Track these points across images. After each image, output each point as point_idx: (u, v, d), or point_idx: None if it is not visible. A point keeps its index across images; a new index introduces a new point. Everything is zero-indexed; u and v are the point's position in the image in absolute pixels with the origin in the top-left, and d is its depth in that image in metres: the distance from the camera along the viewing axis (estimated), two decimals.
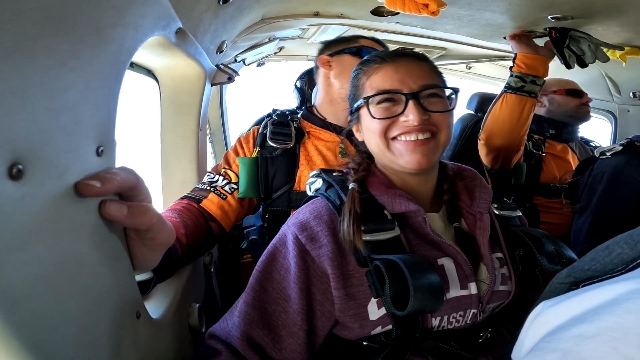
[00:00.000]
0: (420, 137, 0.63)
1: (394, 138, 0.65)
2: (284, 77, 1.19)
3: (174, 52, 0.77)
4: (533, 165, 1.49)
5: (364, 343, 0.63)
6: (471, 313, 0.63)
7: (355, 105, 0.70)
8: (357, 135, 0.74)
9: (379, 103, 0.66)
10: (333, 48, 1.10)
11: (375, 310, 0.60)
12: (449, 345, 0.62)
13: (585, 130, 1.64)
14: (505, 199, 0.77)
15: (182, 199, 0.92)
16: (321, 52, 1.14)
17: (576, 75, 1.59)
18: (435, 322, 0.61)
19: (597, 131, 2.18)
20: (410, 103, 0.63)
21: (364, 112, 0.68)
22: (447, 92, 0.68)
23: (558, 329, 0.35)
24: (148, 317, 0.56)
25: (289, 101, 1.46)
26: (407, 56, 0.68)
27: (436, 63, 1.94)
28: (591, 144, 1.71)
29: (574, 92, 1.54)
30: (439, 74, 0.70)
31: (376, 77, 0.67)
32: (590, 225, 1.18)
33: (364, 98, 0.67)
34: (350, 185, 0.66)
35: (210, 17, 0.82)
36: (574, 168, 1.53)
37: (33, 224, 0.29)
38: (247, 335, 0.60)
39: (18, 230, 0.27)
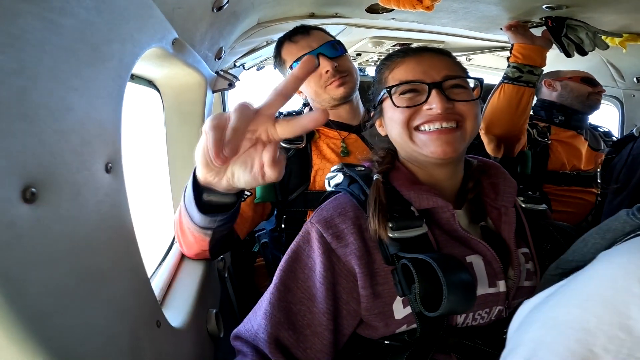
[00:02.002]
0: (445, 125, 0.62)
1: (417, 128, 0.63)
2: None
3: (172, 62, 0.78)
4: (539, 153, 1.49)
5: (386, 342, 0.62)
6: (497, 310, 0.62)
7: (378, 98, 0.69)
8: (380, 130, 0.73)
9: (401, 94, 0.64)
10: (284, 73, 1.11)
11: (400, 309, 0.59)
12: (472, 342, 0.60)
13: (592, 116, 1.63)
14: (530, 192, 0.76)
15: None
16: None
17: (578, 64, 1.59)
18: (459, 319, 0.60)
19: (605, 117, 2.16)
20: (434, 92, 0.61)
21: (386, 104, 0.67)
22: (471, 83, 0.67)
23: (539, 304, 0.40)
24: (168, 325, 0.57)
25: (292, 103, 1.47)
26: (429, 51, 0.68)
27: None
28: (599, 129, 1.70)
29: (589, 81, 1.54)
30: (462, 68, 0.69)
31: (399, 69, 0.67)
32: (630, 206, 1.14)
33: (387, 88, 0.65)
34: (375, 176, 0.65)
35: (205, 25, 0.83)
36: (584, 154, 1.53)
37: (53, 243, 0.30)
38: (274, 337, 0.59)
39: (39, 250, 0.28)
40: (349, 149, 1.03)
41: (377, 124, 0.74)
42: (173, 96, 0.98)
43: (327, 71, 1.00)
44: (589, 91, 1.53)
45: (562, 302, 0.36)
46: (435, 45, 1.82)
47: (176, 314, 0.69)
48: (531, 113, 1.54)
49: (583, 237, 0.48)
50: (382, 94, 0.68)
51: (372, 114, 0.75)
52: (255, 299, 0.65)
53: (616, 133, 1.78)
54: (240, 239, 0.96)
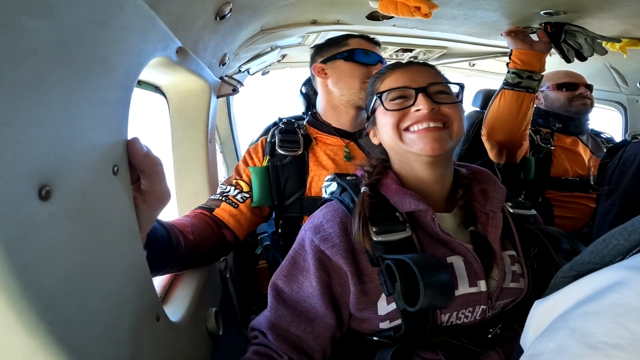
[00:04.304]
0: (432, 124, 0.67)
1: (407, 129, 0.68)
2: (290, 84, 1.22)
3: (177, 69, 0.81)
4: (542, 159, 1.49)
5: (375, 338, 0.66)
6: (480, 309, 0.65)
7: (371, 106, 0.75)
8: (373, 139, 0.78)
9: (391, 100, 0.71)
10: (325, 54, 1.12)
11: (384, 306, 0.64)
12: (457, 340, 0.64)
13: (596, 122, 1.62)
14: (520, 198, 0.79)
15: (195, 209, 0.97)
16: (314, 58, 1.15)
17: (580, 68, 1.59)
18: (444, 318, 0.63)
19: (609, 123, 2.15)
20: (420, 95, 0.68)
21: (378, 111, 0.73)
22: (455, 89, 0.73)
23: (567, 311, 0.37)
24: (167, 320, 0.59)
25: (297, 106, 1.49)
26: (415, 64, 0.75)
27: (438, 62, 1.94)
28: (602, 135, 1.69)
29: (565, 86, 1.52)
30: (445, 78, 0.75)
31: (388, 79, 0.73)
32: (619, 208, 1.15)
33: (377, 93, 0.72)
34: (362, 189, 0.69)
35: (209, 33, 0.86)
36: (586, 160, 1.53)
37: (63, 238, 0.33)
38: (282, 329, 0.66)
39: (50, 243, 0.31)
40: (352, 154, 1.06)
41: (370, 133, 0.79)
42: (178, 102, 1.01)
43: None
44: (568, 97, 1.50)
45: (593, 312, 0.33)
46: (438, 50, 1.85)
47: (176, 310, 0.72)
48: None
49: (603, 238, 0.45)
50: (374, 100, 0.73)
51: (365, 124, 0.80)
52: (257, 301, 0.69)
53: (619, 139, 1.77)
54: (240, 239, 0.99)
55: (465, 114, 1.91)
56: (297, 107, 1.47)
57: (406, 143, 0.68)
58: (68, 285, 0.34)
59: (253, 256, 1.45)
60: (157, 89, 0.99)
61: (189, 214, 0.93)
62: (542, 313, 0.41)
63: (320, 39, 1.66)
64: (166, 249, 0.71)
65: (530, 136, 1.48)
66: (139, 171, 0.49)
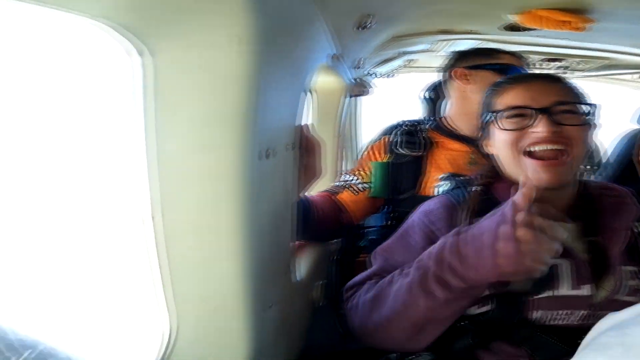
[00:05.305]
0: (550, 147, 0.63)
1: (525, 151, 0.65)
2: (412, 88, 1.27)
3: (327, 71, 0.97)
4: None
5: (461, 323, 0.66)
6: (580, 314, 0.63)
7: (485, 121, 0.74)
8: (487, 149, 0.77)
9: (508, 118, 0.67)
10: (471, 61, 1.11)
11: None
12: (547, 335, 0.62)
13: None
14: None
15: (321, 191, 1.12)
16: (455, 62, 1.16)
17: None
18: (537, 314, 0.63)
19: None
20: (540, 117, 0.63)
21: (493, 126, 0.70)
22: (585, 109, 0.67)
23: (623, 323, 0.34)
24: (292, 278, 0.71)
25: (416, 111, 1.53)
26: (539, 78, 0.70)
27: (597, 73, 1.68)
28: None
29: None
30: (576, 94, 0.69)
31: (507, 95, 0.70)
32: None
33: (493, 112, 0.69)
34: (474, 188, 0.72)
35: (352, 41, 0.98)
36: None
37: (268, 190, 0.48)
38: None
39: (262, 194, 0.46)
40: (478, 160, 1.05)
41: (483, 144, 0.77)
42: (321, 98, 1.20)
43: None
44: None
45: None
46: (596, 61, 1.62)
47: (297, 272, 0.83)
48: None
49: None
50: (488, 117, 0.72)
51: (479, 134, 0.79)
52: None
53: None
54: (354, 223, 1.11)
55: (626, 132, 1.64)
56: (416, 111, 1.51)
57: (522, 168, 0.66)
58: (262, 232, 0.48)
59: (356, 248, 1.55)
60: None
61: (317, 194, 1.10)
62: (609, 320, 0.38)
63: (451, 47, 1.65)
64: (304, 219, 0.86)
65: None
66: (305, 150, 0.64)
